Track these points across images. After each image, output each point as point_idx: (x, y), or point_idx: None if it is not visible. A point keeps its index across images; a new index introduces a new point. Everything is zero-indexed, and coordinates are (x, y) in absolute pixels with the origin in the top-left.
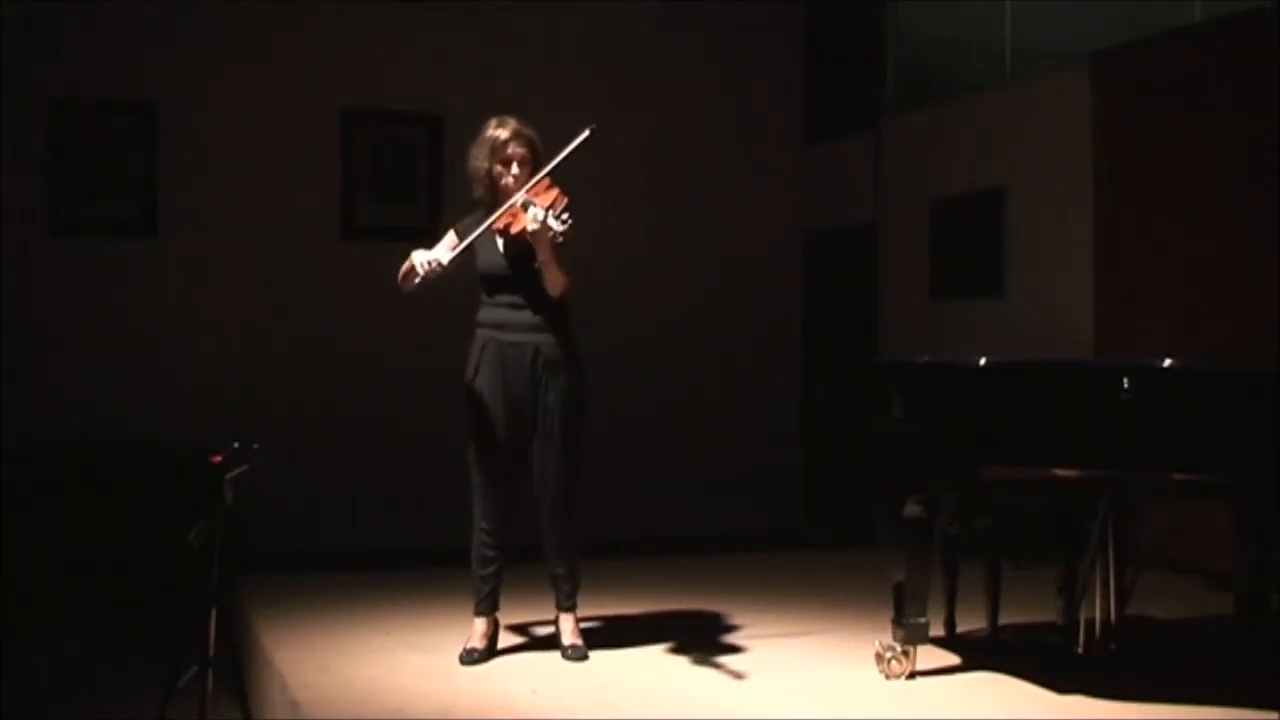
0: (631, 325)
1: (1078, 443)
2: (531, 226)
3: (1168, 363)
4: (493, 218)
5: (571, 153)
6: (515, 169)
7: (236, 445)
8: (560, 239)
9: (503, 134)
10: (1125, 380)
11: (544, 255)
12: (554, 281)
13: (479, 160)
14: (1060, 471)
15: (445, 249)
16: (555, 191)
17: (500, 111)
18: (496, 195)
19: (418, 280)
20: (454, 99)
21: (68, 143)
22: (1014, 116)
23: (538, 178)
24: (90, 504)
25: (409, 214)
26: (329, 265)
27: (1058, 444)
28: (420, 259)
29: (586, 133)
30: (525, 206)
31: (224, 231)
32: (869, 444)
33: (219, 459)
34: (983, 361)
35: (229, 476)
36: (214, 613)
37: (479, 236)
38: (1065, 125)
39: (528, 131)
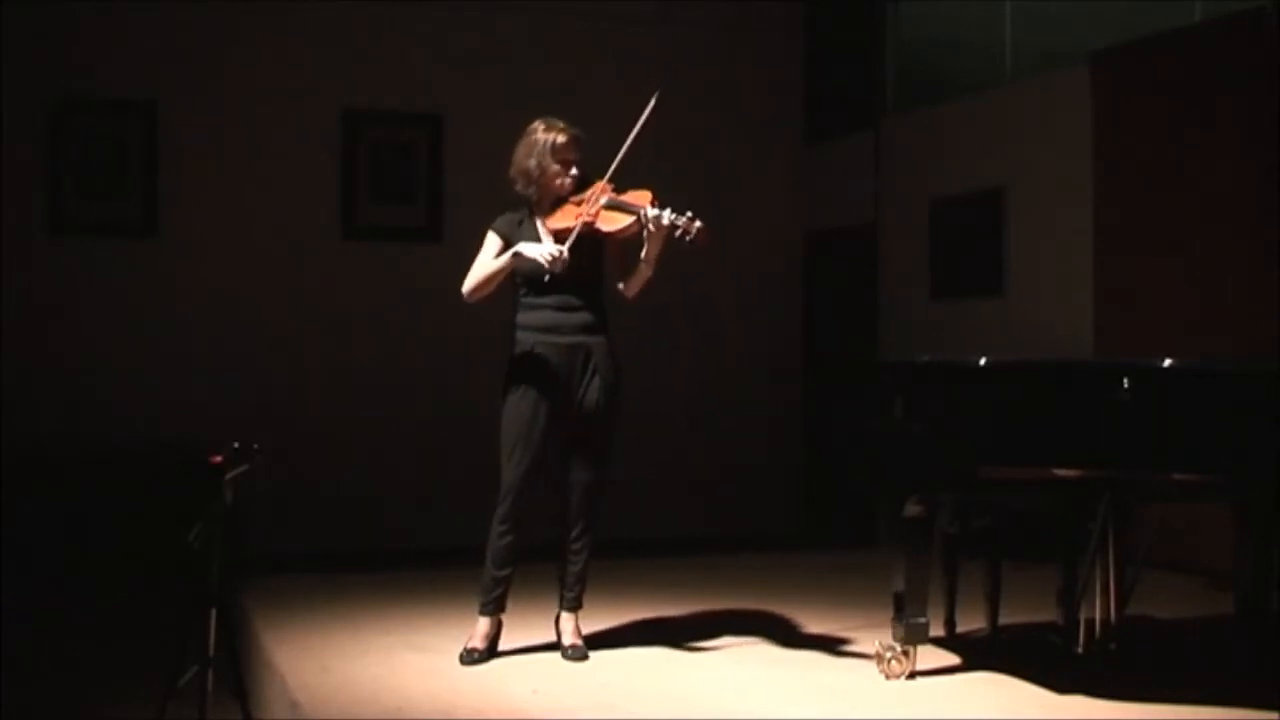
0: (630, 325)
1: (1078, 443)
2: (676, 222)
3: (1168, 363)
4: (582, 218)
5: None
6: (575, 170)
7: (236, 445)
8: (688, 235)
9: (563, 138)
10: (1125, 380)
11: (655, 253)
12: (646, 280)
13: (535, 160)
14: (1060, 471)
15: (535, 247)
16: (645, 191)
17: (499, 111)
18: (544, 196)
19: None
20: (454, 99)
21: (68, 143)
22: (1014, 116)
23: (603, 180)
24: (91, 504)
25: (409, 214)
26: (329, 265)
27: (1058, 444)
28: (539, 251)
29: (652, 102)
30: (638, 210)
31: (224, 231)
32: (869, 444)
33: (219, 459)
34: (983, 361)
35: (229, 476)
36: (214, 613)
37: (529, 235)
38: (1065, 125)
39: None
